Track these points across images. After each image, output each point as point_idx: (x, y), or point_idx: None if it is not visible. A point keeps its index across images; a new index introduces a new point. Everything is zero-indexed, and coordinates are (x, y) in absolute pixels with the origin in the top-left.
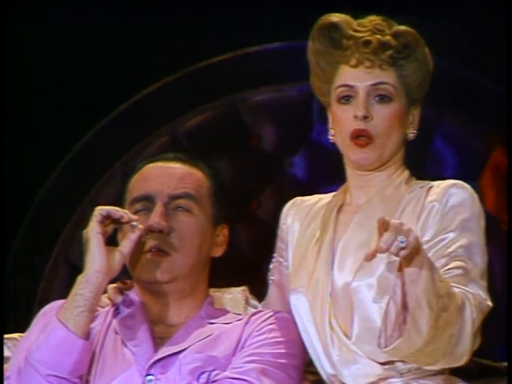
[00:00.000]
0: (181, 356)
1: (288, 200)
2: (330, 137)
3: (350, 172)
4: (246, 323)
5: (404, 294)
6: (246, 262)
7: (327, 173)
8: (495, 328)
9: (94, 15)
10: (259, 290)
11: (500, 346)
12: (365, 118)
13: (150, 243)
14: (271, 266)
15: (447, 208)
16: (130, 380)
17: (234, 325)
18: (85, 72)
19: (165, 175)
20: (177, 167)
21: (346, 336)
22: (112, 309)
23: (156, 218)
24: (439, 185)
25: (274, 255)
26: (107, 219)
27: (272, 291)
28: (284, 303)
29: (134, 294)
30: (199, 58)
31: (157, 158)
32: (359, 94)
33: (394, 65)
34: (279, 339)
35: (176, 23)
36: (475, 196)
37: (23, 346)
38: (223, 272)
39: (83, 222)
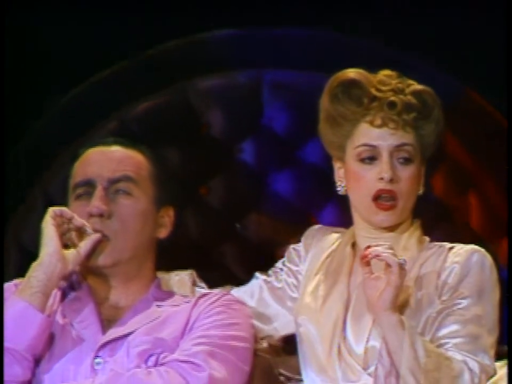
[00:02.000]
0: (129, 338)
1: (237, 185)
2: (340, 189)
3: (359, 221)
4: (194, 305)
5: (391, 360)
6: (194, 246)
7: (276, 159)
8: None
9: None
10: (206, 274)
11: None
12: (391, 180)
13: (91, 227)
14: (277, 268)
15: (467, 274)
16: (79, 362)
17: (182, 308)
18: (35, 57)
19: (105, 159)
20: (116, 150)
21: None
22: (58, 293)
23: (95, 202)
24: (462, 248)
25: (286, 263)
26: (60, 217)
27: (264, 290)
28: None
29: (80, 277)
30: (149, 45)
31: (97, 143)
32: (383, 155)
33: (415, 126)
34: (228, 321)
35: (126, 10)
36: (494, 266)
37: None
38: (171, 256)
39: (34, 207)
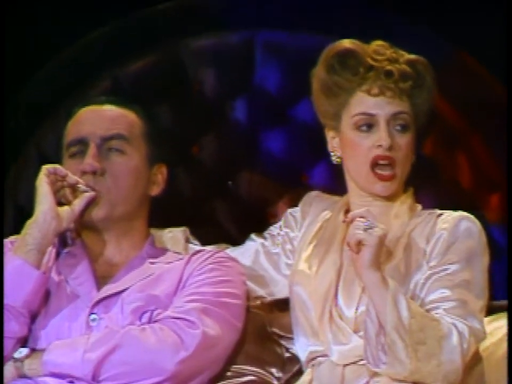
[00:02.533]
0: (123, 295)
1: (229, 144)
2: (335, 159)
3: (353, 188)
4: (187, 262)
5: (378, 319)
6: (186, 204)
7: (268, 117)
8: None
9: None
10: (198, 231)
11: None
12: (390, 147)
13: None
14: (274, 232)
15: (455, 239)
16: (75, 318)
17: (175, 264)
18: (32, 18)
19: (97, 118)
20: (109, 109)
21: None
22: (53, 250)
23: (88, 159)
24: (451, 215)
25: (282, 228)
26: (54, 175)
27: (260, 254)
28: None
29: (75, 234)
30: (143, 5)
31: (90, 102)
32: (380, 123)
33: (410, 95)
34: (220, 278)
35: None
36: (483, 232)
37: None
38: (164, 213)
39: (29, 164)
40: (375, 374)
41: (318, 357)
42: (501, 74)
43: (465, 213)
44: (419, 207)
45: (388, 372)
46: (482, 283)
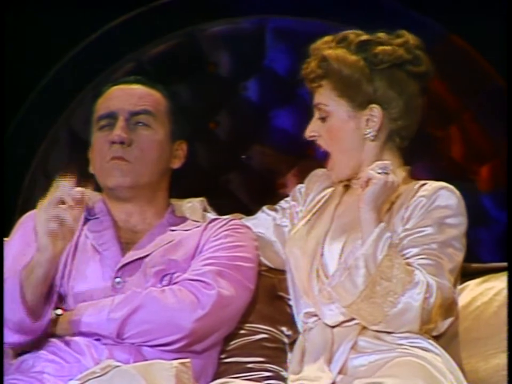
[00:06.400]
0: (146, 260)
1: (243, 120)
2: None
3: None
4: (204, 229)
5: None
6: (204, 176)
7: (277, 96)
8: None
9: None
10: (214, 200)
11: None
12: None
13: (113, 153)
14: (285, 205)
15: (432, 206)
16: (100, 281)
17: (193, 231)
18: (56, 4)
19: (126, 95)
20: (137, 87)
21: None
22: (83, 217)
23: (117, 131)
24: (431, 184)
25: (290, 202)
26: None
27: (270, 227)
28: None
29: (102, 203)
30: None
31: (119, 81)
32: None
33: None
34: (234, 243)
35: None
36: (462, 202)
37: (6, 251)
38: (183, 185)
39: (58, 138)
40: (362, 334)
41: (312, 316)
42: (495, 59)
43: (446, 183)
44: (412, 180)
45: (338, 290)
46: (455, 246)
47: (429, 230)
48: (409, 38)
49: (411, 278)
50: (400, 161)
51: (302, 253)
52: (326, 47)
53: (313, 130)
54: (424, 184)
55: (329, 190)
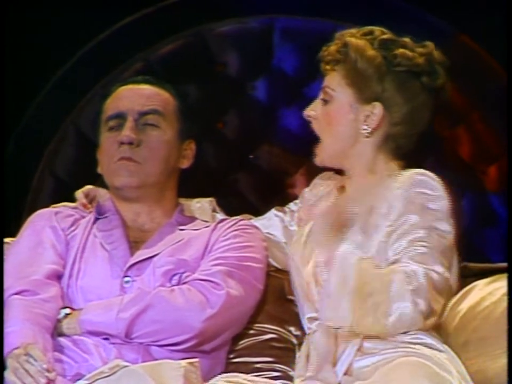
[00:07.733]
0: (155, 259)
1: (251, 120)
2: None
3: None
4: (213, 229)
5: None
6: (212, 175)
7: (285, 96)
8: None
9: None
10: (222, 200)
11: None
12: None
13: (121, 153)
14: (294, 208)
15: (410, 193)
16: (109, 281)
17: (202, 231)
18: (65, 3)
19: (135, 95)
20: (146, 88)
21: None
22: (92, 216)
23: (126, 131)
24: (404, 174)
25: (298, 205)
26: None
27: (279, 229)
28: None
29: (110, 202)
30: None
31: (128, 81)
32: None
33: None
34: (243, 244)
35: None
36: (439, 183)
37: (15, 249)
38: (192, 184)
39: (66, 138)
40: (367, 337)
41: (315, 320)
42: (501, 56)
43: (421, 170)
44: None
45: (330, 322)
46: (442, 229)
47: (412, 218)
48: (434, 51)
49: (389, 278)
50: (395, 166)
51: (300, 259)
52: (350, 35)
53: (313, 109)
54: (397, 176)
55: (326, 191)
